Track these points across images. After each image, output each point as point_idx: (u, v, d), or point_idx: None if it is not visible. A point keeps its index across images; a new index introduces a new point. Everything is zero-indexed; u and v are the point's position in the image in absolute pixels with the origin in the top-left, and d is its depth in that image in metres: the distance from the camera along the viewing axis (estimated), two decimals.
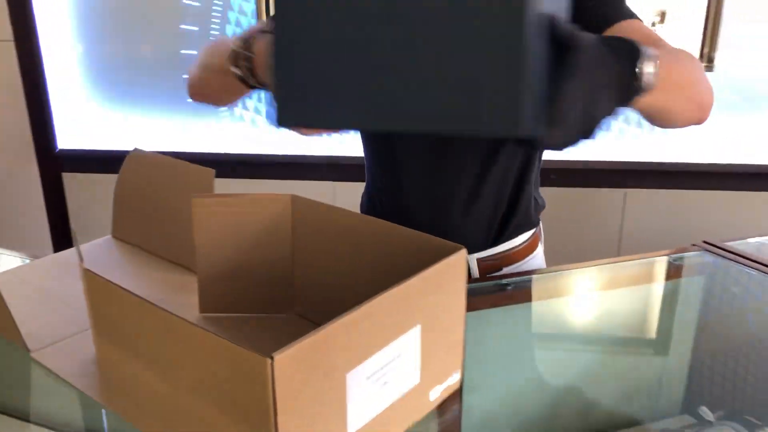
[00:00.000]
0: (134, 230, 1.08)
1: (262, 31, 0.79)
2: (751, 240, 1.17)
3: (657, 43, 0.90)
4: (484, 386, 0.82)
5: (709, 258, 1.09)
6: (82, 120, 2.26)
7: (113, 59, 2.21)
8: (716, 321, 0.98)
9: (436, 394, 0.72)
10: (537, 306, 1.05)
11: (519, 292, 1.06)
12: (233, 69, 0.79)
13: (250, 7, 2.08)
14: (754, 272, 1.04)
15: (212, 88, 0.95)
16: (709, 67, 2.00)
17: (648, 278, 1.09)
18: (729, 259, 1.07)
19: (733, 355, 0.89)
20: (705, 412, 0.72)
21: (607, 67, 0.62)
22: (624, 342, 0.94)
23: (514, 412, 0.78)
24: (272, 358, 0.49)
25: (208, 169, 0.94)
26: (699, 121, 0.90)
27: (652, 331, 0.96)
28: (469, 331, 0.74)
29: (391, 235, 0.76)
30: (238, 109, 2.19)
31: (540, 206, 1.16)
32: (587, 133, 0.62)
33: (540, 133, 0.59)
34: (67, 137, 2.27)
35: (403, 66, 0.56)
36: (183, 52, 2.12)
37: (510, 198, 1.09)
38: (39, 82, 2.20)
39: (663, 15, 2.01)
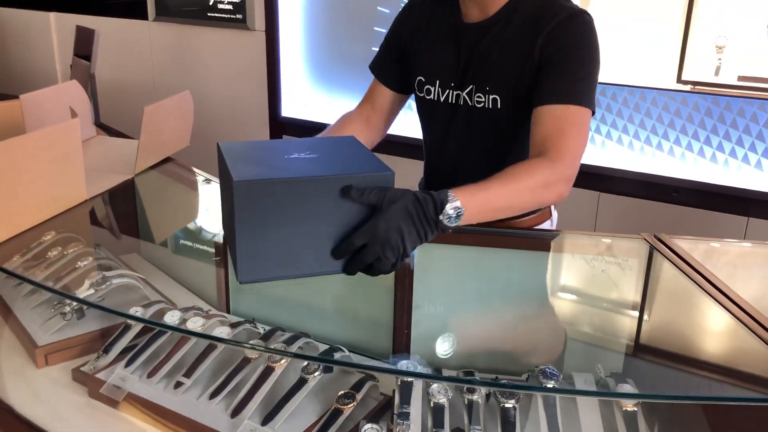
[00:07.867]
0: None
1: None
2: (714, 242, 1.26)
3: (553, 138, 1.08)
4: (429, 306, 1.08)
5: (642, 246, 1.22)
6: (300, 96, 2.91)
7: (324, 52, 2.81)
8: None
9: None
10: (493, 252, 1.25)
11: (481, 238, 1.24)
12: None
13: None
14: (672, 268, 1.14)
15: None
16: None
17: (583, 251, 1.27)
18: (661, 252, 1.19)
19: None
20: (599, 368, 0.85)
21: (407, 218, 0.86)
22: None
23: (453, 328, 1.02)
24: None
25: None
26: (552, 204, 1.23)
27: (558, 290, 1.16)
28: (433, 261, 1.06)
29: None
30: None
31: None
32: (397, 259, 0.87)
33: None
34: (289, 108, 2.93)
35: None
36: (374, 48, 2.62)
37: None
38: (276, 65, 2.89)
39: None
